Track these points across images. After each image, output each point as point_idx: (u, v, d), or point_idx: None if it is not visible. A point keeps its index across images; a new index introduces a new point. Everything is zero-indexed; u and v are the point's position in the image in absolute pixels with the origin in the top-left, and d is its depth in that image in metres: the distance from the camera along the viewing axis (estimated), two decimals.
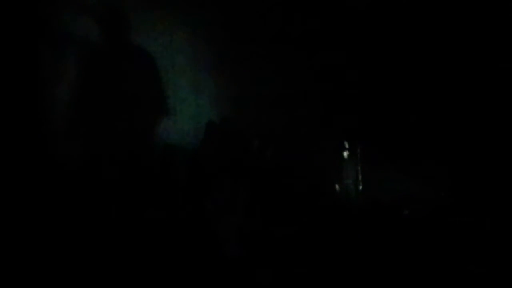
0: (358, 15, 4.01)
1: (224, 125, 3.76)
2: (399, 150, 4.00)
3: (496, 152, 3.69)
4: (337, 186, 4.20)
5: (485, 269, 3.03)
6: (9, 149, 2.91)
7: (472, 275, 3.01)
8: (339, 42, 4.05)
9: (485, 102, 3.78)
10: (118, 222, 2.99)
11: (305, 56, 4.04)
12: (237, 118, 3.83)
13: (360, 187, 4.19)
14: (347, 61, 4.06)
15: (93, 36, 3.36)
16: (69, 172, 3.12)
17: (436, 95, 3.95)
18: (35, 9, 3.07)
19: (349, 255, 3.23)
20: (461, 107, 3.87)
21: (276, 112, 3.95)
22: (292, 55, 3.99)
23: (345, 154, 4.27)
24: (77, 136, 3.32)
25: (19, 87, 3.01)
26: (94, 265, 2.71)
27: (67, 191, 3.01)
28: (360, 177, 4.19)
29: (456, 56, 3.87)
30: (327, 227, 3.47)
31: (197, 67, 3.82)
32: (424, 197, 3.89)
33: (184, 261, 2.86)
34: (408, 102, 4.03)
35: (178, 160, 3.53)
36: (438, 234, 3.43)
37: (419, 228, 3.56)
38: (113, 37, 3.42)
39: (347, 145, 4.27)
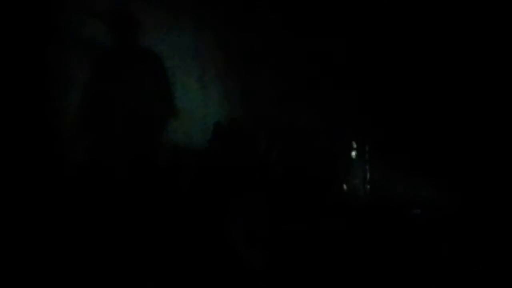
0: (366, 14, 3.98)
1: (232, 125, 3.76)
2: (409, 149, 3.97)
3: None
4: (344, 186, 4.19)
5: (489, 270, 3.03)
6: (18, 150, 2.94)
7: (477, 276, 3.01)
8: (349, 39, 4.01)
9: (505, 106, 3.72)
10: (127, 223, 3.01)
11: (315, 55, 4.01)
12: (246, 118, 3.82)
13: (368, 187, 4.16)
14: (356, 58, 4.03)
15: (101, 38, 3.37)
16: (77, 174, 3.14)
17: (451, 95, 3.90)
18: (44, 12, 3.09)
19: (357, 256, 3.23)
20: (476, 106, 3.81)
21: (284, 112, 3.94)
22: (301, 56, 3.97)
23: (353, 153, 4.25)
24: (86, 138, 3.34)
25: (29, 88, 3.04)
26: (100, 268, 2.72)
27: (75, 192, 3.04)
28: (368, 176, 4.17)
29: (478, 53, 3.80)
30: (335, 227, 3.47)
31: (205, 67, 3.82)
32: (434, 198, 3.86)
33: (192, 264, 2.87)
34: (419, 101, 3.99)
35: (186, 161, 3.54)
36: (448, 236, 3.42)
37: (429, 229, 3.54)
38: (121, 38, 3.44)
39: (355, 145, 4.24)
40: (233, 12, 3.87)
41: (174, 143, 3.56)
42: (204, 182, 3.39)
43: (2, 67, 2.92)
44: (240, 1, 3.87)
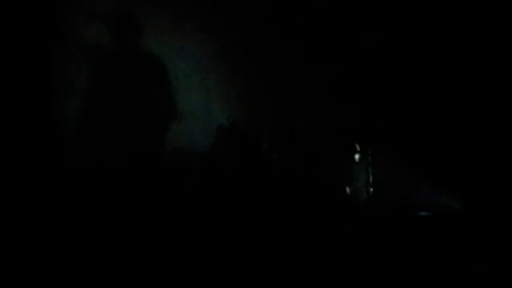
0: (371, 14, 3.98)
1: (234, 128, 3.77)
2: (411, 151, 3.96)
3: None
4: (347, 189, 4.18)
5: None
6: (21, 151, 2.95)
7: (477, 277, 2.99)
8: (350, 39, 4.02)
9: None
10: (129, 224, 3.01)
11: (316, 58, 4.02)
12: (247, 121, 3.84)
13: (371, 190, 4.16)
14: (357, 60, 4.03)
15: (104, 42, 3.40)
16: (79, 176, 3.16)
17: (454, 96, 3.89)
18: (46, 15, 3.11)
19: (360, 259, 3.22)
20: (479, 109, 3.80)
21: (286, 115, 3.95)
22: (303, 59, 3.98)
23: (356, 156, 4.25)
24: (88, 141, 3.36)
25: (31, 90, 3.05)
26: (101, 269, 2.73)
27: (77, 194, 3.05)
28: (371, 179, 4.16)
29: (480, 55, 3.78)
30: (337, 230, 3.46)
31: (207, 71, 3.84)
32: (437, 201, 3.85)
33: (196, 266, 2.87)
34: (422, 102, 3.98)
35: (189, 164, 3.55)
36: (450, 238, 3.41)
37: (432, 231, 3.53)
38: (124, 42, 3.47)
39: (358, 147, 4.24)
40: (235, 17, 3.89)
41: (177, 146, 3.57)
42: (207, 184, 3.39)
43: (3, 70, 2.94)
44: (242, 6, 3.89)
